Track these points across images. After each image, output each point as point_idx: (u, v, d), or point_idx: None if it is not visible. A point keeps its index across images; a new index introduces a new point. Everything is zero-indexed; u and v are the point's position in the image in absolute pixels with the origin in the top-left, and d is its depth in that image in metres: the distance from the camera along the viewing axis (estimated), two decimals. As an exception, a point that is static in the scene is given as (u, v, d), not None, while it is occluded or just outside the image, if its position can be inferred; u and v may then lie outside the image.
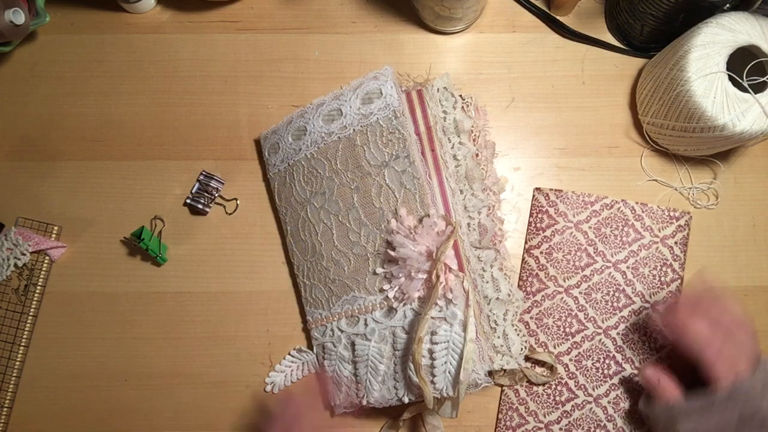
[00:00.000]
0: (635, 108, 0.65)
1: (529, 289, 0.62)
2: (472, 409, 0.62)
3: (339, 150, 0.59)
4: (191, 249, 0.65)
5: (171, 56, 0.68)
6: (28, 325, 0.63)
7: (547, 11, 0.67)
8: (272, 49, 0.68)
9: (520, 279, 0.63)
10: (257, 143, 0.66)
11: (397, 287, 0.57)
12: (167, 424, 0.63)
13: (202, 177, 0.65)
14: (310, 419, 0.57)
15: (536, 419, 0.61)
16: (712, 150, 0.61)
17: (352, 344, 0.59)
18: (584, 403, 0.61)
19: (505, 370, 0.60)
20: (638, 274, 0.62)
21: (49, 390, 0.63)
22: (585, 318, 0.61)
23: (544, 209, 0.63)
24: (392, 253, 0.56)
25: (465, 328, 0.53)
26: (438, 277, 0.53)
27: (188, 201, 0.65)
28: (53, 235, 0.64)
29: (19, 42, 0.65)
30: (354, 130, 0.59)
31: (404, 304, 0.56)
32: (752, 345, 0.52)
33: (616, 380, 0.61)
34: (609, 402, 0.60)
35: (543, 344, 0.61)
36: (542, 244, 0.63)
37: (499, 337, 0.57)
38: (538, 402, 0.61)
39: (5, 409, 0.62)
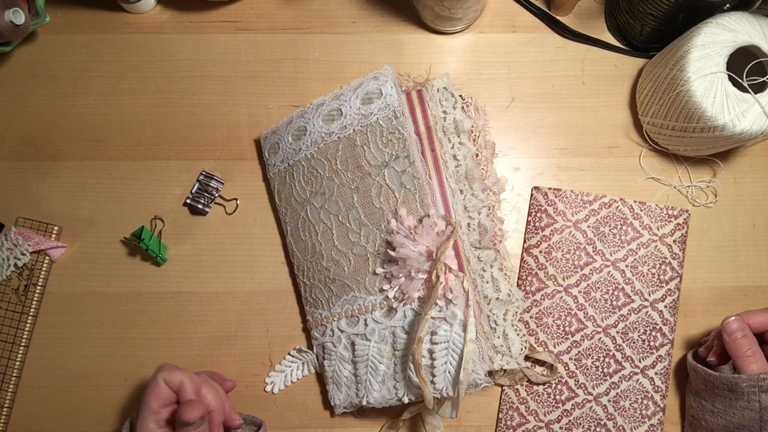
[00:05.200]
0: (635, 108, 0.65)
1: (528, 288, 0.62)
2: (472, 409, 0.62)
3: (339, 150, 0.59)
4: (191, 249, 0.65)
5: (171, 56, 0.67)
6: (28, 325, 0.63)
7: (547, 11, 0.67)
8: (272, 49, 0.68)
9: (519, 278, 0.63)
10: (257, 143, 0.66)
11: (397, 287, 0.57)
12: (167, 424, 0.63)
13: (202, 177, 0.65)
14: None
15: (537, 418, 0.61)
16: (712, 150, 0.61)
17: (352, 344, 0.59)
18: (584, 401, 0.61)
19: (505, 370, 0.60)
20: (637, 272, 0.62)
21: (49, 390, 0.63)
22: (584, 317, 0.61)
23: (542, 208, 0.63)
24: (392, 253, 0.56)
25: (465, 328, 0.53)
26: (438, 277, 0.53)
27: (188, 201, 0.65)
28: (53, 235, 0.64)
29: (19, 42, 0.65)
30: (354, 130, 0.59)
31: (404, 304, 0.56)
32: None
33: (615, 378, 0.61)
34: (609, 400, 0.60)
35: (543, 343, 0.61)
36: (541, 243, 0.63)
37: (499, 337, 0.58)
38: (539, 401, 0.61)
39: (5, 409, 0.62)
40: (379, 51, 0.67)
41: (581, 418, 0.60)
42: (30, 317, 0.63)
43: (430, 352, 0.54)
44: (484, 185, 0.60)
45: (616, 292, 0.62)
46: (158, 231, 0.65)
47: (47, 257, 0.64)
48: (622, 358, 0.61)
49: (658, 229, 0.62)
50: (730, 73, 0.54)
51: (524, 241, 0.64)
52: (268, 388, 0.63)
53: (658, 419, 0.60)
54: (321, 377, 0.63)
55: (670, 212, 0.63)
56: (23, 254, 0.62)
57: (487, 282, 0.58)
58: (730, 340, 0.54)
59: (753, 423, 0.52)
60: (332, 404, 0.61)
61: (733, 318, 0.54)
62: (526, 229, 0.64)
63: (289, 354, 0.63)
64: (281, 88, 0.67)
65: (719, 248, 0.64)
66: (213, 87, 0.67)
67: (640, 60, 0.66)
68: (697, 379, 0.58)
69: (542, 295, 0.62)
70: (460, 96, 0.61)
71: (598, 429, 0.60)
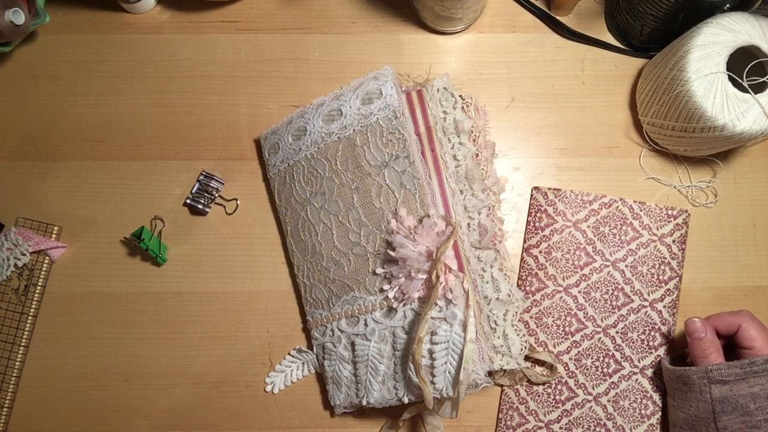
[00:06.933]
0: (635, 108, 0.65)
1: (528, 288, 0.62)
2: (472, 409, 0.62)
3: (339, 150, 0.59)
4: (191, 249, 0.65)
5: (171, 56, 0.67)
6: (28, 325, 0.63)
7: (547, 11, 0.67)
8: (272, 49, 0.67)
9: (519, 278, 0.63)
10: (257, 143, 0.66)
11: (397, 287, 0.57)
12: (167, 424, 0.63)
13: (202, 177, 0.65)
14: None
15: (536, 418, 0.61)
16: (712, 150, 0.61)
17: (352, 344, 0.59)
18: (584, 401, 0.61)
19: (505, 370, 0.60)
20: (637, 272, 0.62)
21: (49, 390, 0.63)
22: (584, 317, 0.61)
23: (542, 208, 0.63)
24: (392, 253, 0.56)
25: (465, 329, 0.53)
26: (438, 277, 0.53)
27: (188, 201, 0.65)
28: (53, 235, 0.64)
29: (19, 42, 0.65)
30: (354, 130, 0.59)
31: (404, 304, 0.56)
32: None
33: (615, 378, 0.61)
34: (609, 400, 0.60)
35: (542, 343, 0.61)
36: (541, 243, 0.63)
37: (499, 337, 0.58)
38: (539, 401, 0.61)
39: (5, 409, 0.62)
40: (379, 51, 0.67)
41: (581, 418, 0.60)
42: (30, 317, 0.63)
43: (430, 352, 0.54)
44: (484, 185, 0.60)
45: (615, 292, 0.62)
46: (158, 231, 0.65)
47: (47, 257, 0.64)
48: (622, 358, 0.61)
49: (657, 229, 0.62)
50: (730, 74, 0.54)
51: (524, 241, 0.64)
52: (268, 388, 0.63)
53: (657, 419, 0.60)
54: (321, 377, 0.63)
55: (669, 212, 0.63)
56: (23, 254, 0.62)
57: (487, 282, 0.58)
58: (691, 340, 0.55)
59: (707, 414, 0.53)
60: (332, 404, 0.61)
61: (695, 319, 0.56)
62: (526, 229, 0.64)
63: (289, 354, 0.63)
64: (281, 88, 0.67)
65: (719, 248, 0.64)
66: (213, 87, 0.67)
67: (640, 60, 0.66)
68: (663, 376, 0.59)
69: (542, 295, 0.62)
70: (460, 96, 0.61)
71: (597, 429, 0.60)
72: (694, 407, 0.54)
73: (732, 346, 0.56)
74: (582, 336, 0.61)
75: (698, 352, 0.54)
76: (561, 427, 0.60)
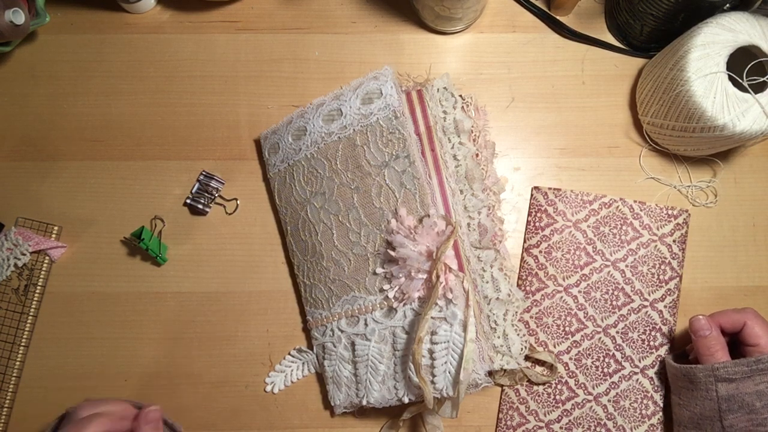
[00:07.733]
0: (635, 108, 0.65)
1: (528, 288, 0.62)
2: (472, 409, 0.62)
3: (339, 150, 0.59)
4: (191, 249, 0.65)
5: (171, 56, 0.67)
6: (28, 325, 0.63)
7: (547, 11, 0.67)
8: (272, 49, 0.68)
9: (519, 278, 0.63)
10: (257, 143, 0.66)
11: (397, 287, 0.57)
12: (167, 424, 0.63)
13: (202, 177, 0.65)
14: None
15: (537, 418, 0.61)
16: (712, 150, 0.61)
17: (352, 344, 0.59)
18: (584, 401, 0.61)
19: (505, 370, 0.60)
20: (637, 272, 0.62)
21: (49, 390, 0.63)
22: (584, 317, 0.61)
23: (542, 208, 0.63)
24: (392, 253, 0.56)
25: (465, 328, 0.53)
26: (438, 277, 0.53)
27: (188, 201, 0.65)
28: (53, 235, 0.64)
29: (19, 42, 0.65)
30: (354, 130, 0.59)
31: (404, 304, 0.56)
32: None
33: (615, 378, 0.61)
34: (609, 400, 0.60)
35: (543, 343, 0.61)
36: (541, 243, 0.63)
37: (499, 337, 0.58)
38: (539, 401, 0.61)
39: (5, 409, 0.62)
40: (379, 51, 0.67)
41: (581, 418, 0.60)
42: (30, 317, 0.63)
43: (430, 352, 0.54)
44: (484, 185, 0.60)
45: (615, 292, 0.62)
46: (158, 231, 0.65)
47: (47, 257, 0.64)
48: (622, 357, 0.61)
49: (657, 229, 0.62)
50: (730, 73, 0.55)
51: (524, 241, 0.64)
52: (268, 388, 0.63)
53: (658, 419, 0.60)
54: (321, 377, 0.63)
55: (669, 212, 0.63)
56: (23, 254, 0.62)
57: (487, 282, 0.58)
58: (696, 338, 0.55)
59: (713, 413, 0.53)
60: (332, 404, 0.61)
61: (700, 317, 0.56)
62: (526, 229, 0.64)
63: (289, 354, 0.63)
64: (281, 88, 0.67)
65: (719, 248, 0.64)
66: (213, 87, 0.67)
67: (640, 60, 0.66)
68: (667, 373, 0.59)
69: (542, 295, 0.62)
70: (460, 96, 0.61)
71: (598, 429, 0.60)
72: (699, 405, 0.54)
73: (735, 343, 0.56)
74: (582, 336, 0.61)
75: (703, 349, 0.54)
76: (561, 427, 0.60)
